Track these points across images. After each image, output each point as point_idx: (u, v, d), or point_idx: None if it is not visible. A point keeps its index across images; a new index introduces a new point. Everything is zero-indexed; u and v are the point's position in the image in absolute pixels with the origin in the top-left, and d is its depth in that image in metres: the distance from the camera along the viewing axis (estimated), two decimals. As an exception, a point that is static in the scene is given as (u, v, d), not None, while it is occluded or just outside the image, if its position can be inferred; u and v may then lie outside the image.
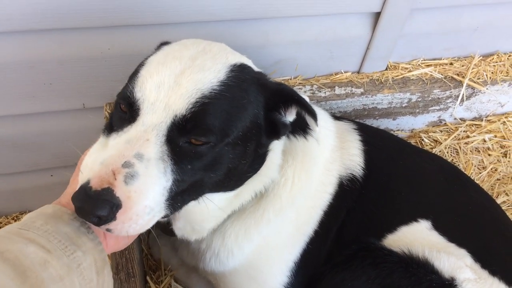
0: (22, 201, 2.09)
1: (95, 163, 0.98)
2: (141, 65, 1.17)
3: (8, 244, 0.86)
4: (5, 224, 2.09)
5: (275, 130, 1.24)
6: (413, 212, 1.44)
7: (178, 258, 1.72)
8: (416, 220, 1.42)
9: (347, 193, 1.48)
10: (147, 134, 1.02)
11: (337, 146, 1.53)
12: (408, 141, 2.22)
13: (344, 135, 1.58)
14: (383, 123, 2.15)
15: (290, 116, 1.24)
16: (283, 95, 1.21)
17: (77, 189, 0.96)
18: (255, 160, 1.26)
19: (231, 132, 1.10)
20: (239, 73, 1.15)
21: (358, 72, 2.06)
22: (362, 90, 1.97)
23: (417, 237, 1.37)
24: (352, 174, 1.50)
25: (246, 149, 1.17)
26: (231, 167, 1.14)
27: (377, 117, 2.10)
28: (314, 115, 1.19)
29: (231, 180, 1.21)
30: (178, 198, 1.07)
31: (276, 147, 1.35)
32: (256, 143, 1.21)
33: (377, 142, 1.59)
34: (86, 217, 0.94)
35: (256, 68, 1.27)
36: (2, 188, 1.99)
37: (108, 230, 0.97)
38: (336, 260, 1.37)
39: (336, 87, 1.94)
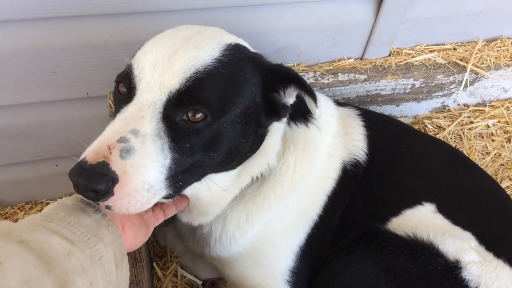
0: (27, 191, 2.11)
1: (93, 144, 0.99)
2: (137, 51, 1.18)
3: (33, 235, 0.87)
4: (12, 214, 2.11)
5: (275, 111, 1.24)
6: (417, 195, 1.44)
7: (184, 245, 1.73)
8: (420, 203, 1.42)
9: (351, 178, 1.48)
10: (142, 112, 1.03)
11: (340, 132, 1.54)
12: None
13: (347, 121, 1.58)
14: (387, 110, 2.15)
15: (289, 97, 1.24)
16: (281, 74, 1.21)
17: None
18: (254, 141, 1.26)
19: (228, 109, 1.10)
20: (235, 52, 1.16)
21: (361, 59, 2.05)
22: (365, 76, 1.97)
23: (422, 220, 1.37)
24: (355, 159, 1.50)
25: (245, 128, 1.17)
26: (231, 146, 1.14)
27: (380, 104, 2.10)
28: (313, 96, 1.19)
29: (233, 160, 1.21)
30: (179, 178, 1.07)
31: (276, 132, 1.35)
32: (255, 122, 1.20)
33: (380, 127, 1.59)
34: (83, 192, 0.94)
35: (252, 49, 1.27)
36: (7, 178, 2.00)
37: (107, 207, 0.97)
38: (341, 244, 1.38)
39: (339, 74, 1.94)
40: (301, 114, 1.41)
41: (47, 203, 2.15)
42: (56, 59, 1.58)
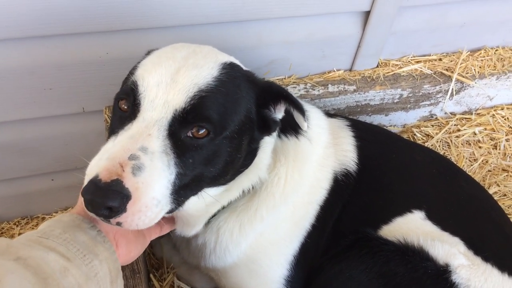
0: (23, 206, 2.12)
1: (101, 159, 1.01)
2: (134, 68, 1.21)
3: (30, 251, 0.88)
4: (8, 230, 2.12)
5: (266, 126, 1.29)
6: (407, 203, 1.48)
7: (180, 256, 1.75)
8: (410, 211, 1.45)
9: (342, 187, 1.52)
10: (149, 129, 1.06)
11: (331, 143, 1.57)
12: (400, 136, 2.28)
13: (337, 132, 1.62)
14: (376, 119, 2.20)
15: (279, 112, 1.30)
16: (272, 92, 1.26)
17: (85, 183, 0.99)
18: (247, 155, 1.30)
19: (228, 125, 1.15)
20: (230, 70, 1.21)
21: (350, 70, 2.10)
22: (354, 87, 2.02)
23: (412, 227, 1.41)
24: (346, 169, 1.54)
25: (241, 143, 1.22)
26: (228, 161, 1.19)
27: (370, 114, 2.14)
28: (302, 111, 1.24)
29: (228, 174, 1.24)
30: (181, 193, 1.11)
31: (267, 146, 1.39)
32: (249, 137, 1.26)
33: (369, 137, 1.64)
34: (96, 210, 0.96)
35: (244, 67, 1.32)
36: (3, 193, 2.01)
37: (118, 223, 0.99)
38: (334, 251, 1.41)
39: (329, 85, 1.99)
40: (291, 126, 1.45)
41: (43, 218, 2.16)
42: (53, 76, 1.62)
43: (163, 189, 1.04)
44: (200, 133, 1.09)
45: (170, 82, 1.10)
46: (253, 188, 1.41)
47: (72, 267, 0.91)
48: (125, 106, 1.14)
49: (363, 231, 1.38)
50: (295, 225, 1.47)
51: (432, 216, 1.44)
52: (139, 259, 1.43)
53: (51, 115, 1.74)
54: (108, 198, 0.93)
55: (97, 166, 0.99)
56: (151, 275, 1.70)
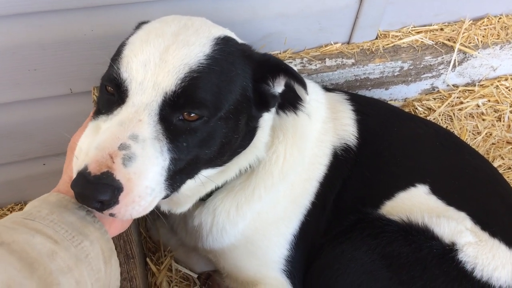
0: (16, 192, 2.07)
1: (90, 148, 0.97)
2: (122, 45, 1.15)
3: (13, 235, 0.85)
4: (1, 216, 2.08)
5: (265, 102, 1.23)
6: (410, 177, 1.44)
7: (177, 239, 1.72)
8: (413, 185, 1.42)
9: (342, 163, 1.48)
10: (139, 115, 1.01)
11: (329, 117, 1.53)
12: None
13: (336, 106, 1.57)
14: (376, 93, 2.13)
15: (278, 87, 1.23)
16: (270, 65, 1.20)
17: (74, 175, 0.95)
18: (245, 135, 1.25)
19: (223, 106, 1.10)
20: (224, 45, 1.14)
21: (348, 43, 2.03)
22: (353, 60, 1.95)
23: (415, 202, 1.37)
24: (346, 143, 1.50)
25: (238, 123, 1.16)
26: (224, 142, 1.14)
27: (369, 88, 2.08)
28: (303, 83, 1.18)
29: (224, 155, 1.20)
30: (176, 178, 1.07)
31: (265, 124, 1.34)
32: (247, 116, 1.20)
33: (369, 111, 1.59)
34: (87, 203, 0.94)
35: (240, 40, 1.25)
36: (-5, 179, 1.97)
37: (111, 215, 0.96)
38: (335, 231, 1.38)
39: (327, 59, 1.92)
40: (289, 102, 1.40)
41: (37, 204, 2.12)
42: (36, 56, 1.55)
43: (157, 176, 1.00)
44: (192, 115, 1.04)
45: (159, 62, 1.04)
46: (250, 167, 1.36)
47: (60, 250, 0.87)
48: (112, 91, 1.08)
49: (364, 211, 1.34)
50: (294, 203, 1.44)
51: (436, 190, 1.40)
52: (134, 243, 1.39)
53: (37, 97, 1.67)
54: (98, 192, 0.90)
55: (86, 156, 0.95)
56: (148, 259, 1.66)
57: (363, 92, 2.08)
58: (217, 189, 1.37)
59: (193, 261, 1.74)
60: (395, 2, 1.95)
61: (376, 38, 2.05)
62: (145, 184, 0.97)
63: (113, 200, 0.93)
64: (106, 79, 1.11)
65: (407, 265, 1.22)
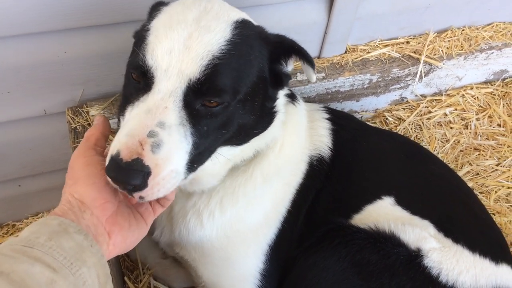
0: (-9, 214, 2.05)
1: (121, 134, 1.03)
2: (145, 30, 1.17)
3: (13, 265, 0.85)
4: (-24, 239, 2.05)
5: (279, 81, 1.30)
6: (376, 190, 1.48)
7: (155, 256, 1.72)
8: (379, 198, 1.46)
9: (316, 173, 1.51)
10: (165, 102, 1.06)
11: (308, 126, 1.58)
12: (372, 122, 2.28)
13: (313, 115, 1.62)
14: (347, 105, 2.19)
15: (290, 66, 1.30)
16: (285, 46, 1.27)
17: (107, 160, 1.02)
18: (263, 117, 1.30)
19: (241, 89, 1.15)
20: (243, 29, 1.18)
21: (319, 57, 2.08)
22: (323, 74, 2.00)
23: (382, 214, 1.41)
24: (320, 154, 1.53)
25: (254, 104, 1.22)
26: (241, 123, 1.20)
27: (340, 100, 2.13)
28: (312, 64, 1.27)
29: (240, 135, 1.25)
30: (196, 160, 1.13)
31: (282, 108, 1.41)
32: (263, 96, 1.26)
33: (343, 123, 1.63)
34: (122, 187, 1.01)
35: (255, 22, 1.29)
36: (-30, 202, 1.95)
37: (141, 197, 1.03)
38: (307, 243, 1.40)
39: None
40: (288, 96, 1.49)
41: (14, 225, 2.10)
42: (10, 79, 1.56)
43: (181, 160, 1.07)
44: (212, 102, 1.10)
45: (183, 49, 1.09)
46: (266, 146, 1.42)
47: (59, 278, 0.87)
48: (138, 78, 1.13)
49: (335, 221, 1.38)
50: (274, 208, 1.46)
51: (402, 201, 1.44)
52: (111, 263, 1.39)
53: (12, 119, 1.68)
54: (130, 178, 0.98)
55: (118, 142, 1.01)
56: (126, 278, 1.67)
57: (335, 105, 2.13)
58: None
59: (172, 278, 1.74)
60: (363, 17, 2.02)
61: (345, 52, 2.11)
62: (170, 168, 1.03)
63: (143, 184, 1.00)
64: (132, 66, 1.15)
65: (376, 272, 1.25)
